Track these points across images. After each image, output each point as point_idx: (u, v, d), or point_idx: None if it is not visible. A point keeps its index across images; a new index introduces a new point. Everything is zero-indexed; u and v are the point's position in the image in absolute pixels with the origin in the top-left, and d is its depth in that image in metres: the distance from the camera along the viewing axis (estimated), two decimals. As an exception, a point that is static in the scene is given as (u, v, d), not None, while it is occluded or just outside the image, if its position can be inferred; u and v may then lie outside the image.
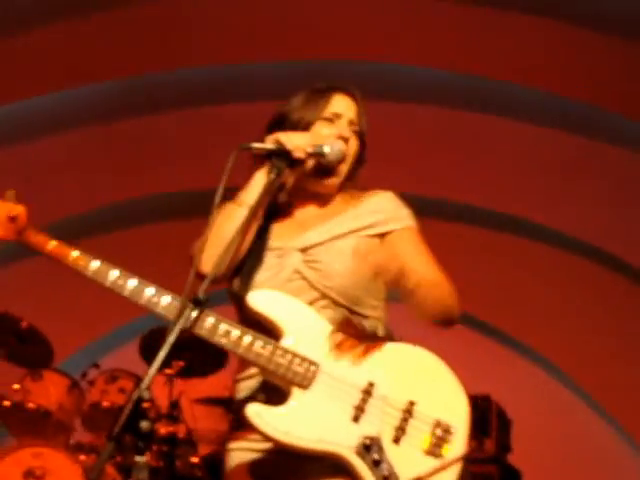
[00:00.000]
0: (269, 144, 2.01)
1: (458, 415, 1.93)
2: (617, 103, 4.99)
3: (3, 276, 5.72)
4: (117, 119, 5.55)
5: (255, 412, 1.86)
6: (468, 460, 1.93)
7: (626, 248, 5.43)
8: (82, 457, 4.28)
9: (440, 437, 1.89)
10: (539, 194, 5.42)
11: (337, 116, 2.13)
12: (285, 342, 1.92)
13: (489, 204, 5.52)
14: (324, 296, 2.01)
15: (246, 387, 2.00)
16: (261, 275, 2.03)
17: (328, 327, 1.96)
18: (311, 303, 2.00)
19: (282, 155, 2.00)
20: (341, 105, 2.14)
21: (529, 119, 5.29)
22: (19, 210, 1.95)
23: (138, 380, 4.26)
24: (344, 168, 2.12)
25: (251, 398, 1.93)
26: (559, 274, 5.56)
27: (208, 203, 2.02)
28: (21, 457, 4.08)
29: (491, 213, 5.58)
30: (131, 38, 5.09)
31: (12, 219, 1.94)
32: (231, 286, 2.06)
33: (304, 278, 2.02)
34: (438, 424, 1.90)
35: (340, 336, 1.96)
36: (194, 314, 1.81)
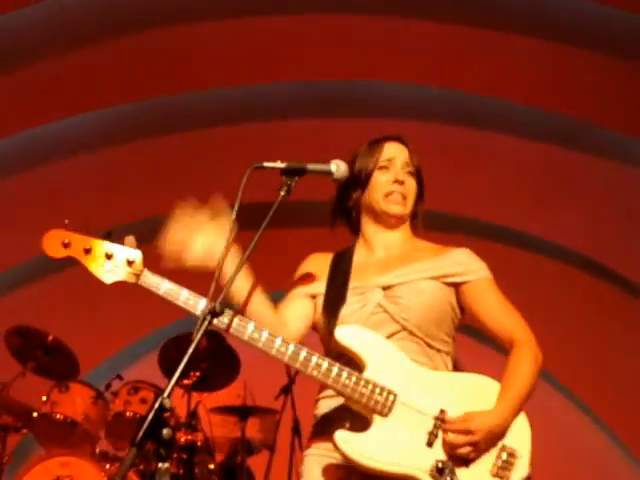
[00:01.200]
0: (279, 163, 2.13)
1: (522, 440, 2.10)
2: (612, 119, 5.08)
3: (29, 292, 5.88)
4: (134, 140, 5.63)
5: (342, 439, 2.05)
6: None
7: (623, 261, 5.49)
8: (107, 465, 4.37)
9: (506, 461, 2.07)
10: (535, 207, 5.48)
11: (390, 161, 2.35)
12: (367, 373, 2.09)
13: (486, 216, 5.63)
14: (403, 328, 2.20)
15: (326, 405, 2.21)
16: (345, 310, 2.23)
17: (405, 359, 2.14)
18: (392, 334, 2.19)
19: (292, 173, 2.12)
20: (392, 151, 2.37)
21: (527, 135, 5.38)
22: (136, 255, 2.10)
23: (159, 391, 4.41)
24: (409, 202, 2.35)
25: (338, 424, 2.10)
26: (553, 284, 5.63)
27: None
28: (50, 466, 4.19)
29: (489, 225, 5.67)
30: (149, 62, 5.20)
31: (130, 263, 2.09)
32: (318, 323, 2.29)
33: (386, 311, 2.22)
34: (504, 448, 2.08)
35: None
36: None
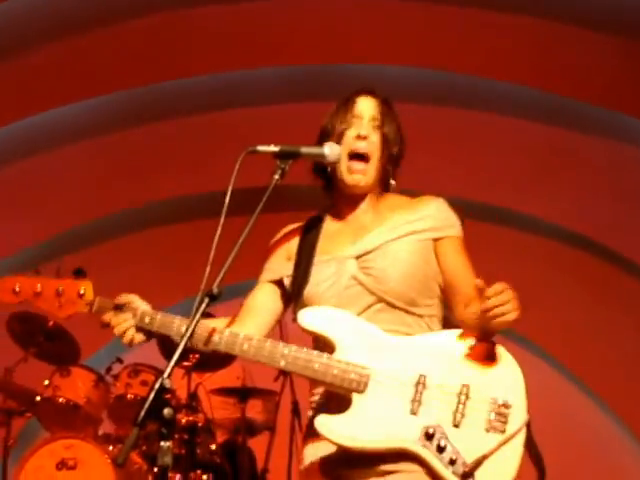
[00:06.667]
0: (273, 146, 2.11)
1: (513, 388, 2.02)
2: (607, 97, 5.08)
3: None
4: (123, 129, 5.62)
5: (321, 423, 2.02)
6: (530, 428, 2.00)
7: (615, 237, 5.50)
8: (110, 447, 4.44)
9: (499, 413, 1.98)
10: (525, 185, 5.48)
11: (358, 117, 2.23)
12: (337, 353, 2.05)
13: (476, 196, 5.58)
14: (380, 299, 2.12)
15: (317, 393, 2.14)
16: (317, 288, 2.15)
17: (377, 331, 2.08)
18: (369, 307, 2.12)
19: (286, 156, 2.11)
20: (361, 106, 2.25)
21: (516, 114, 5.38)
22: (85, 286, 2.22)
23: (159, 373, 4.45)
24: (373, 163, 2.19)
25: (322, 409, 2.07)
26: (544, 262, 5.61)
27: (215, 206, 2.14)
28: (54, 448, 4.27)
29: (479, 205, 5.63)
30: (135, 50, 5.19)
31: (81, 296, 2.21)
32: (295, 306, 2.18)
33: (361, 283, 2.13)
34: (495, 401, 1.99)
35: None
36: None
